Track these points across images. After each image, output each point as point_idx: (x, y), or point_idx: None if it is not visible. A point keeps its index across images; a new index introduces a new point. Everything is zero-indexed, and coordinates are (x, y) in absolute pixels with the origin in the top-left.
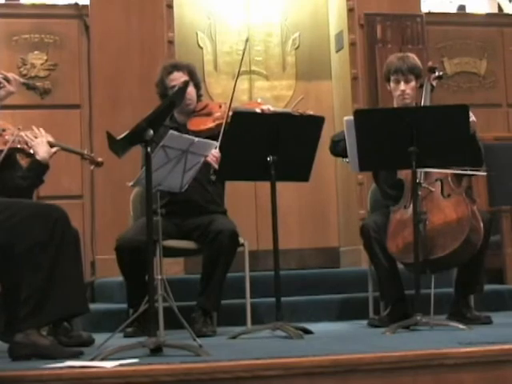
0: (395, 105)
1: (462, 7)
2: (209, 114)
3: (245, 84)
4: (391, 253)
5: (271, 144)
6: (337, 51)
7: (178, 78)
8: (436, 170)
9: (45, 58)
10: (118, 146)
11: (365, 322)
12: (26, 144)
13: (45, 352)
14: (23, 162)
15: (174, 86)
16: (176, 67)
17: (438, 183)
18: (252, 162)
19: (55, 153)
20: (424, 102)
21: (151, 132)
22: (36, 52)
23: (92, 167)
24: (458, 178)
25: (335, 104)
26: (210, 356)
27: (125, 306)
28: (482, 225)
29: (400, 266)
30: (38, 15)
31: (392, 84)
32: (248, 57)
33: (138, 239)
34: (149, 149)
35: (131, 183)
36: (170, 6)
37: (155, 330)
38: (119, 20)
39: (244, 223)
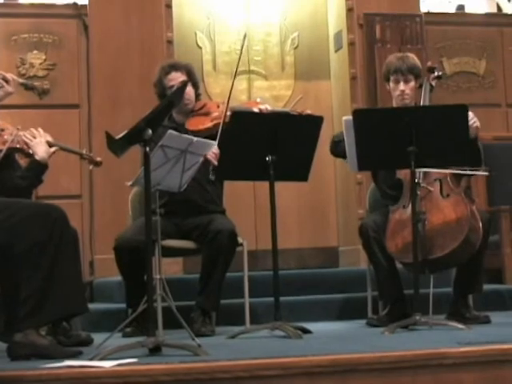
0: (394, 105)
1: (460, 7)
2: (207, 114)
3: (244, 84)
4: (390, 252)
5: (270, 144)
6: (336, 51)
7: (177, 77)
8: (435, 169)
9: (43, 57)
10: (117, 146)
11: (364, 322)
12: (25, 144)
13: (44, 352)
14: (22, 161)
15: (172, 86)
16: (174, 67)
17: (437, 183)
18: (251, 161)
19: (54, 152)
20: (423, 101)
21: (150, 132)
22: (35, 52)
23: (91, 167)
24: (456, 177)
25: (334, 104)
26: (208, 356)
27: (124, 305)
28: (480, 225)
29: (399, 265)
30: (37, 15)
31: (391, 84)
32: (247, 56)
33: (137, 239)
34: (147, 148)
35: (130, 183)
36: (169, 6)
37: (154, 330)
38: (118, 20)
39: (243, 223)
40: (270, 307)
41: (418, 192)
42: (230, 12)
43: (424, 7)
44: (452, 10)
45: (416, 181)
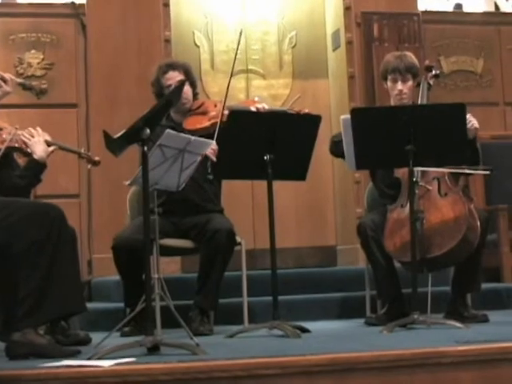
0: (392, 103)
1: (458, 6)
2: (204, 113)
3: (242, 83)
4: (388, 251)
5: (268, 143)
6: (333, 50)
7: (174, 77)
8: (433, 168)
9: (41, 57)
10: (115, 145)
11: (362, 321)
12: (24, 143)
13: (42, 351)
14: (20, 161)
15: (169, 86)
16: (171, 66)
17: (435, 182)
18: (248, 160)
19: (52, 152)
20: (421, 100)
21: (148, 131)
22: (33, 51)
23: (89, 166)
24: (454, 176)
25: (332, 103)
26: (207, 355)
27: (122, 305)
28: (478, 223)
29: (397, 264)
30: (35, 14)
31: (389, 83)
32: (245, 55)
33: (135, 238)
34: (145, 148)
35: (128, 182)
36: (167, 5)
37: (152, 329)
38: (116, 19)
39: (241, 222)
40: (269, 306)
41: (416, 191)
42: (227, 11)
43: (422, 6)
44: (450, 8)
45: (414, 180)
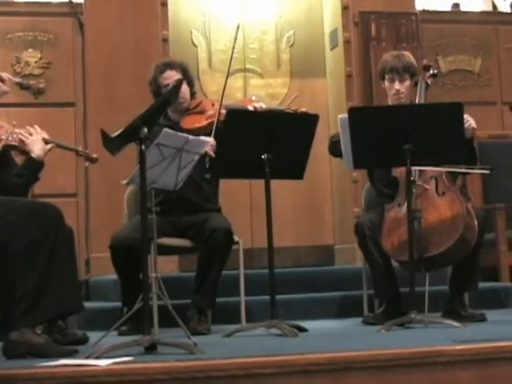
0: (389, 103)
1: (456, 5)
2: (202, 112)
3: (239, 82)
4: (386, 251)
5: (265, 142)
6: (331, 49)
7: (172, 76)
8: (431, 168)
9: (39, 56)
10: (113, 144)
11: (360, 320)
12: (21, 141)
13: (39, 350)
14: (18, 159)
15: (167, 85)
16: (169, 65)
17: (433, 181)
18: (246, 159)
19: (50, 150)
20: (419, 99)
21: (145, 130)
22: (30, 50)
23: (87, 164)
24: (452, 176)
25: (330, 102)
26: (204, 354)
27: (119, 304)
28: (476, 223)
29: (395, 263)
30: (32, 13)
31: (387, 83)
32: (242, 54)
33: (133, 237)
34: (143, 147)
35: (126, 181)
36: (165, 4)
37: (150, 328)
38: (114, 18)
39: (239, 221)
40: (266, 305)
41: (414, 190)
42: (225, 10)
43: (419, 5)
44: (447, 8)
45: (412, 179)
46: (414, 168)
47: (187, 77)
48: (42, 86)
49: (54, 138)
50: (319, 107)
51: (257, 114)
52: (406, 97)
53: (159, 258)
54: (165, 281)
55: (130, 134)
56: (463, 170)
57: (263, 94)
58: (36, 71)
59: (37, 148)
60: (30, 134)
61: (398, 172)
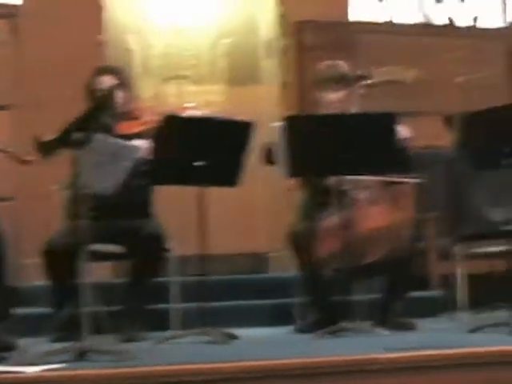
0: (324, 112)
1: (390, 16)
2: (137, 118)
3: (174, 88)
4: (319, 259)
5: (200, 148)
6: (267, 57)
7: (107, 80)
8: (364, 177)
9: None
10: (46, 148)
11: (292, 328)
12: None
13: None
14: None
15: (103, 89)
16: (105, 70)
17: (366, 190)
18: (180, 166)
19: None
20: (353, 109)
21: (79, 135)
22: None
23: (20, 165)
24: (385, 185)
25: (265, 110)
26: (136, 361)
27: (51, 310)
28: (408, 232)
29: (328, 272)
30: None
31: (322, 92)
32: (178, 61)
33: (66, 243)
34: (76, 151)
35: (59, 186)
36: (101, 8)
37: (81, 335)
38: (49, 20)
39: (172, 227)
40: (199, 312)
41: (347, 199)
42: (162, 16)
43: (355, 16)
44: (382, 19)
45: (345, 188)
46: (347, 177)
47: (123, 82)
48: None
49: None
50: (255, 115)
51: (192, 121)
52: (341, 106)
53: (92, 264)
54: (97, 287)
55: (64, 139)
56: (394, 179)
57: (198, 100)
58: None
59: None
60: None
61: (332, 181)
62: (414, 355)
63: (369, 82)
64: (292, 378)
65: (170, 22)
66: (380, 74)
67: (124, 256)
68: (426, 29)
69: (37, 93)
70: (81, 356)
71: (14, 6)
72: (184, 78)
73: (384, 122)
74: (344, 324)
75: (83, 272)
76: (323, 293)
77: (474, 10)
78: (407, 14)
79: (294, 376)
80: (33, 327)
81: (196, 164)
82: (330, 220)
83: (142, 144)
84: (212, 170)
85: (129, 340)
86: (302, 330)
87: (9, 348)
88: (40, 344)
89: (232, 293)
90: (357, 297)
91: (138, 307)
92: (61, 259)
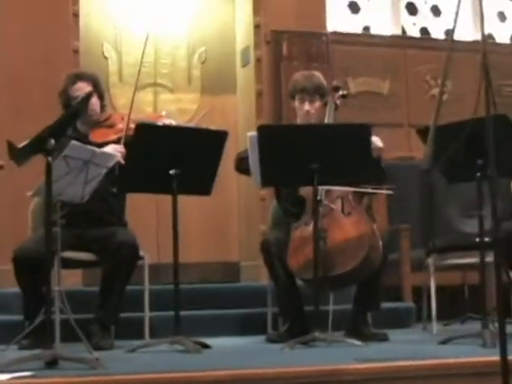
0: (299, 122)
1: (366, 28)
2: (111, 126)
3: (150, 96)
4: (291, 269)
5: (174, 157)
6: (242, 66)
7: (82, 88)
8: (337, 187)
9: None
10: (19, 155)
11: (263, 338)
12: None
13: None
14: None
15: (77, 96)
16: (80, 77)
17: (339, 201)
18: (154, 174)
19: None
20: (327, 119)
21: (53, 141)
22: None
23: None
24: (358, 196)
25: (240, 119)
26: (106, 370)
27: (21, 317)
28: (381, 243)
29: (299, 282)
30: None
31: (297, 102)
32: (154, 69)
33: (37, 250)
34: (50, 158)
35: (31, 193)
36: (76, 15)
37: (51, 343)
38: (24, 27)
39: (145, 236)
40: (170, 321)
41: (320, 209)
42: (137, 24)
43: (331, 26)
44: (358, 30)
45: (318, 198)
46: (320, 187)
47: (98, 89)
48: None
49: None
50: (229, 124)
51: (166, 129)
52: (316, 117)
53: (63, 271)
54: (68, 294)
55: (37, 145)
56: (366, 190)
57: (173, 109)
58: None
59: None
60: None
61: (305, 191)
62: (385, 366)
63: (344, 92)
64: None
65: (145, 30)
66: (355, 85)
67: (96, 264)
68: (401, 40)
69: (11, 99)
70: (51, 364)
71: None
72: (159, 86)
73: (359, 133)
74: (316, 334)
75: (54, 279)
76: (295, 302)
77: (448, 22)
78: (383, 26)
79: None
80: (3, 334)
81: (170, 172)
82: (303, 230)
83: (114, 148)
84: (186, 178)
85: (100, 348)
86: (273, 340)
87: None
88: (9, 351)
89: (204, 302)
90: (329, 307)
91: (110, 315)
92: (32, 266)
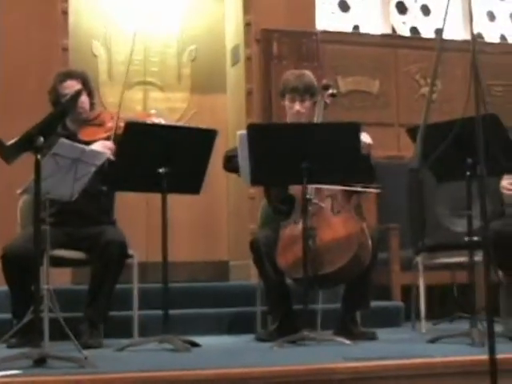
0: (288, 120)
1: (356, 27)
2: (101, 124)
3: (139, 94)
4: (280, 267)
5: (163, 156)
6: (232, 65)
7: (72, 86)
8: (326, 186)
9: None
10: (8, 153)
11: (253, 336)
12: None
13: None
14: None
15: (67, 94)
16: (69, 75)
17: (329, 200)
18: (143, 173)
19: None
20: (317, 118)
21: (41, 139)
22: None
23: None
24: (347, 194)
25: (230, 118)
26: (95, 368)
27: (9, 315)
28: (370, 242)
29: (289, 280)
30: None
31: (287, 102)
32: (143, 67)
33: (26, 248)
34: (39, 156)
35: (20, 190)
36: (66, 13)
37: (39, 341)
38: (13, 25)
39: (134, 234)
40: (160, 320)
41: (310, 208)
42: (127, 22)
43: (321, 25)
44: (348, 29)
45: (308, 197)
46: (310, 186)
47: (87, 87)
48: None
49: None
50: (219, 123)
51: (155, 128)
52: (306, 116)
53: (52, 269)
54: (57, 293)
55: (26, 143)
56: (356, 189)
57: (163, 107)
58: None
59: None
60: None
61: (295, 189)
62: (374, 365)
63: (334, 91)
64: None
65: (135, 28)
66: (345, 84)
67: (85, 262)
68: (391, 40)
69: (0, 97)
70: (39, 362)
71: None
72: (149, 84)
73: (348, 132)
74: (305, 333)
75: (43, 277)
76: (284, 301)
77: (437, 21)
78: (373, 25)
79: None
80: None
81: (160, 171)
82: (292, 228)
83: (103, 145)
84: (175, 177)
85: (89, 347)
86: (262, 339)
87: None
88: None
89: (193, 300)
90: (318, 306)
91: (99, 314)
92: (20, 264)
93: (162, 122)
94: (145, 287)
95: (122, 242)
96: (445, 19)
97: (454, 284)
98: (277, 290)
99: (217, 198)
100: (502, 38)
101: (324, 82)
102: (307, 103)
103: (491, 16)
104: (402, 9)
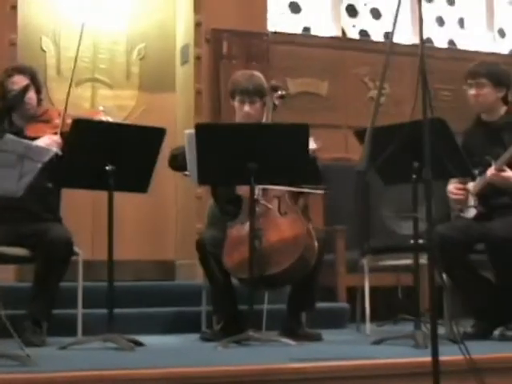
0: (238, 121)
1: (306, 29)
2: (48, 121)
3: (88, 91)
4: (227, 268)
5: (110, 153)
6: (182, 64)
7: (20, 81)
8: (273, 187)
9: None
10: None
11: (198, 336)
12: None
13: None
14: None
15: (14, 89)
16: (18, 70)
17: (276, 200)
18: (90, 170)
19: None
20: (266, 119)
21: None
22: None
23: None
24: (294, 196)
25: (178, 117)
26: (37, 366)
27: None
28: (316, 243)
29: (235, 281)
30: None
31: (236, 103)
32: (92, 64)
33: None
34: None
35: None
36: (14, 7)
37: None
38: None
39: (80, 232)
40: (104, 319)
41: (257, 209)
42: (76, 18)
43: (271, 26)
44: (298, 30)
45: (255, 197)
46: (257, 186)
47: (35, 83)
48: None
49: None
50: (167, 122)
51: (103, 125)
52: (256, 118)
53: None
54: (1, 290)
55: None
56: (302, 190)
57: (111, 105)
58: None
59: None
60: None
61: (242, 190)
62: (318, 366)
63: (283, 93)
64: None
65: (85, 24)
66: (294, 86)
67: (29, 259)
68: (340, 42)
69: None
70: None
71: None
72: (97, 81)
73: (296, 134)
74: (250, 333)
75: None
76: (230, 301)
77: (387, 25)
78: (323, 27)
79: None
80: None
81: (106, 169)
82: (239, 229)
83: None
84: (122, 175)
85: (31, 344)
86: (207, 338)
87: None
88: None
89: (139, 299)
90: (263, 306)
91: (43, 312)
92: None
93: (110, 119)
94: (90, 285)
95: (67, 239)
96: (394, 23)
97: (399, 286)
98: (222, 290)
99: (164, 197)
100: (451, 43)
101: (273, 83)
102: (257, 105)
103: (440, 21)
104: (351, 12)
